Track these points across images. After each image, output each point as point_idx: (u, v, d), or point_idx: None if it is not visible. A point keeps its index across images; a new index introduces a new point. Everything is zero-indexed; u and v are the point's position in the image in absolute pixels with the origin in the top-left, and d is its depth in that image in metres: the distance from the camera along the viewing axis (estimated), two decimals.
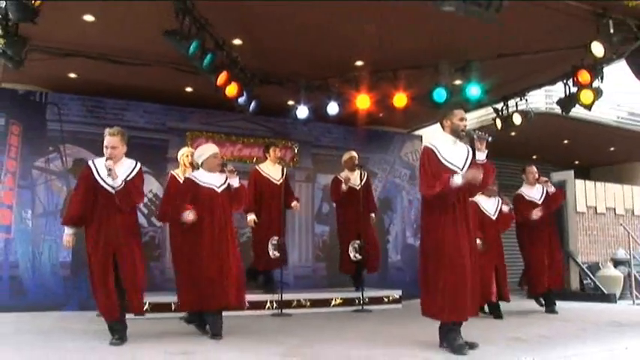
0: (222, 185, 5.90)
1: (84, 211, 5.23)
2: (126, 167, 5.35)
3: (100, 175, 5.26)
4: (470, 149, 5.16)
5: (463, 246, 4.84)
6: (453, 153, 5.07)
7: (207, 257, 5.65)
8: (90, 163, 5.43)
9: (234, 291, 5.70)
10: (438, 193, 4.82)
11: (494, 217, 7.61)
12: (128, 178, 5.29)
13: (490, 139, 5.11)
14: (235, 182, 5.96)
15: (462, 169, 4.98)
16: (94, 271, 5.17)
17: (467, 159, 5.08)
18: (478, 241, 6.63)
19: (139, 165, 5.48)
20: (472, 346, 4.87)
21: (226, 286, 5.64)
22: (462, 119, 5.12)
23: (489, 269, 7.34)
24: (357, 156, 8.77)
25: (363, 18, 6.59)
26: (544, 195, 7.95)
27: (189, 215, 5.59)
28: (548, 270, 7.89)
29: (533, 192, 8.00)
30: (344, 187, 8.40)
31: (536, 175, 8.01)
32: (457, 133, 5.09)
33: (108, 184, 5.20)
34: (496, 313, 7.47)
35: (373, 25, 6.81)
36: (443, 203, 4.89)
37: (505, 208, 7.71)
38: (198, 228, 5.70)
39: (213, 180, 5.89)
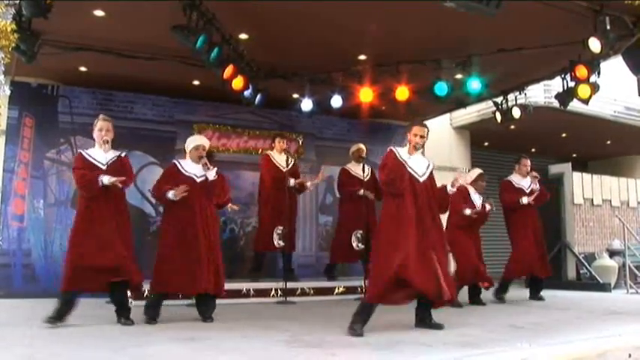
0: (202, 176, 6.02)
1: None
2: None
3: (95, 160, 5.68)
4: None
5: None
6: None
7: (180, 244, 5.80)
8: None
9: (210, 278, 5.83)
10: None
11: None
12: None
13: None
14: (210, 175, 6.03)
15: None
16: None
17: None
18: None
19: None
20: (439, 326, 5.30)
21: (200, 273, 5.77)
22: (415, 135, 5.51)
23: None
24: (364, 149, 8.77)
25: (366, 12, 6.60)
26: (530, 188, 8.15)
27: (169, 193, 5.82)
28: (534, 258, 8.01)
29: (523, 182, 8.22)
30: (361, 192, 8.30)
31: (529, 169, 8.22)
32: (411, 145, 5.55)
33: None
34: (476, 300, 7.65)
35: (375, 25, 6.83)
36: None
37: (487, 207, 7.72)
38: (175, 215, 5.90)
39: (195, 170, 6.04)
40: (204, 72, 7.48)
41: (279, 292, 7.88)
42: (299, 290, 8.10)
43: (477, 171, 7.90)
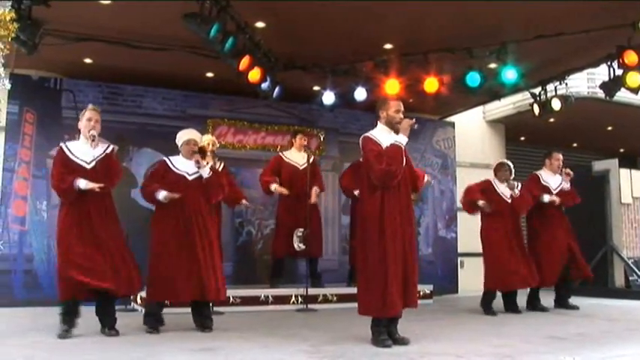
0: (194, 173, 6.02)
1: None
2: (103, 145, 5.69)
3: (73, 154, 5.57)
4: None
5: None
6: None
7: (174, 246, 5.79)
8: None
9: (209, 283, 5.81)
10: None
11: (509, 200, 7.61)
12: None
13: None
14: (204, 172, 6.02)
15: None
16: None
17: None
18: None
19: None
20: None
21: (195, 277, 5.78)
22: (397, 111, 5.29)
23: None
24: None
25: None
26: (560, 187, 8.02)
27: (159, 194, 5.82)
28: (566, 261, 7.87)
29: (552, 179, 8.08)
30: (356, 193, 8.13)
31: (561, 164, 8.12)
32: (392, 125, 5.28)
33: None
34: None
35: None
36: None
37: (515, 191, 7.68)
38: (167, 216, 5.88)
39: (186, 167, 6.04)
40: (218, 63, 7.48)
41: (300, 298, 7.90)
42: (321, 297, 8.11)
43: (498, 162, 7.98)
